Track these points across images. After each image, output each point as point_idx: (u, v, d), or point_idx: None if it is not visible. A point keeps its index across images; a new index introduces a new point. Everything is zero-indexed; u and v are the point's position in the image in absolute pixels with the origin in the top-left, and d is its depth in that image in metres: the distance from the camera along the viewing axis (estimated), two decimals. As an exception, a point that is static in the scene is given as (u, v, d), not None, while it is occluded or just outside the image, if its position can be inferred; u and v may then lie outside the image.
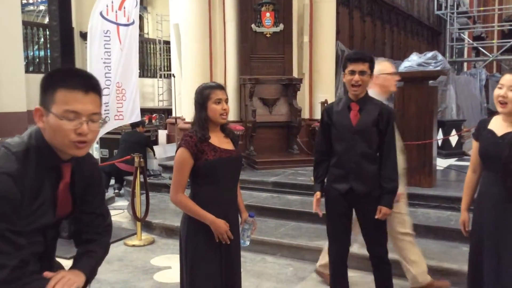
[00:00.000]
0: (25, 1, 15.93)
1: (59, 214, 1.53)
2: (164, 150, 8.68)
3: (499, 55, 16.21)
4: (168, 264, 4.28)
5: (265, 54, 7.28)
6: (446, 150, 7.69)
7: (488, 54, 16.89)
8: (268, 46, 7.29)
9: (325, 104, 5.22)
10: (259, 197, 5.65)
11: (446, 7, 16.62)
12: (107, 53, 5.62)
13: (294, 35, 7.64)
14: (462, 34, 17.16)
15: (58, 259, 1.70)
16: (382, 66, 3.37)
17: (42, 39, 13.37)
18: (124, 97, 5.83)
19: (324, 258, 3.56)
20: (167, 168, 6.97)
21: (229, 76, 7.45)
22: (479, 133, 2.58)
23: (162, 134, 10.19)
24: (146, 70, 16.37)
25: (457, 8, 16.95)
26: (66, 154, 1.48)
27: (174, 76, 9.33)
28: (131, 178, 5.19)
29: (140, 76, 9.73)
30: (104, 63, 5.61)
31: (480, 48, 17.33)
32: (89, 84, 1.45)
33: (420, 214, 4.76)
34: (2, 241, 1.36)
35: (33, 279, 1.40)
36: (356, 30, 12.12)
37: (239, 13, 7.32)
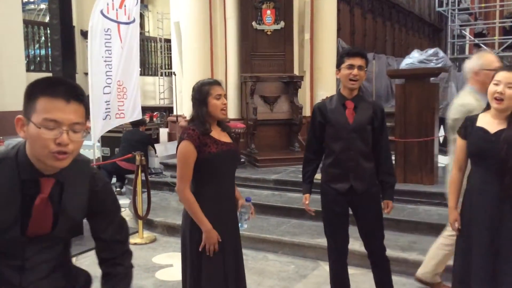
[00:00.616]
0: (26, 0, 15.92)
1: (34, 231, 1.42)
2: (165, 148, 8.69)
3: (501, 51, 16.16)
4: (170, 262, 4.29)
5: (266, 51, 7.27)
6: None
7: (490, 50, 16.85)
8: (269, 43, 7.29)
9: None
10: (260, 195, 5.64)
11: (447, 4, 16.57)
12: (108, 51, 5.62)
13: (295, 33, 7.64)
14: (463, 31, 17.11)
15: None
16: (484, 60, 2.94)
17: (43, 38, 13.34)
18: (125, 95, 5.84)
19: (426, 266, 3.34)
20: (169, 166, 6.97)
21: (230, 73, 7.45)
22: (466, 130, 2.49)
23: (163, 132, 10.20)
24: (147, 68, 16.35)
25: (458, 5, 16.90)
26: (49, 167, 1.39)
27: (175, 74, 9.33)
28: (132, 176, 5.19)
29: (141, 74, 9.73)
30: (105, 61, 5.62)
31: (482, 45, 17.24)
32: (71, 93, 1.37)
33: (422, 211, 4.75)
34: None
35: None
36: (357, 27, 12.12)
37: (240, 11, 7.32)
